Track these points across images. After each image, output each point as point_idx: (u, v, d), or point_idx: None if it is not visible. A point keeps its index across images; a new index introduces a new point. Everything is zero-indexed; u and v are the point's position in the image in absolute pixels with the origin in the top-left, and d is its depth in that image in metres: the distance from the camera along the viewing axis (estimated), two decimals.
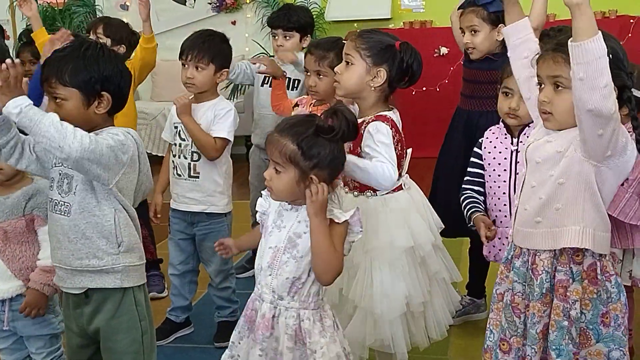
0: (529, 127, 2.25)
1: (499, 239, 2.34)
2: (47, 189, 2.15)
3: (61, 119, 1.85)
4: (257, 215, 1.96)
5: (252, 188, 3.74)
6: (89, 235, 1.90)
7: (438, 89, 6.46)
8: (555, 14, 6.00)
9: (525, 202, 1.85)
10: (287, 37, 3.42)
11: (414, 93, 6.20)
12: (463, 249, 3.34)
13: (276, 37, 3.45)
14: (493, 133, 2.38)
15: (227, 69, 2.89)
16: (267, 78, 3.47)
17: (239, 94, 6.70)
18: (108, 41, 3.25)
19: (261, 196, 1.96)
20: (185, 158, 2.84)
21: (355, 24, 6.57)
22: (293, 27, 3.41)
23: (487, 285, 3.08)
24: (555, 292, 1.78)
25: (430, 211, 2.36)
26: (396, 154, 2.16)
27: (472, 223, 2.37)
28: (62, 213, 1.92)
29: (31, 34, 3.98)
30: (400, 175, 2.24)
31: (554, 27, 2.76)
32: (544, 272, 1.80)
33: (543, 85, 1.76)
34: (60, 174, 1.94)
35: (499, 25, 2.73)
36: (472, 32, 2.80)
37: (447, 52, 6.41)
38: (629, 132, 1.76)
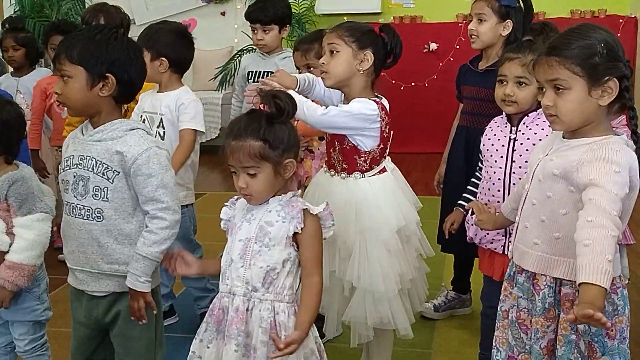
0: (527, 116, 2.26)
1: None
2: (29, 181, 2.15)
3: (66, 99, 1.89)
4: (222, 224, 1.90)
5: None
6: (120, 240, 1.91)
7: (427, 85, 6.47)
8: (545, 12, 6.03)
9: (526, 219, 1.83)
10: (266, 31, 3.44)
11: (402, 88, 6.23)
12: None
13: (255, 31, 3.46)
14: (495, 122, 2.39)
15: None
16: (254, 75, 3.52)
17: (227, 85, 6.68)
18: None
19: (228, 205, 1.91)
20: None
21: (345, 18, 6.58)
22: (271, 20, 3.44)
23: (472, 281, 3.10)
24: (562, 305, 1.75)
25: (411, 191, 2.43)
26: (384, 136, 2.24)
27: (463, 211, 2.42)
28: (88, 218, 1.91)
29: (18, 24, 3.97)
30: (384, 157, 2.32)
31: (537, 22, 2.76)
32: (546, 286, 1.77)
33: (545, 90, 1.74)
34: (75, 177, 1.92)
35: (507, 21, 2.75)
36: (479, 21, 2.80)
37: (436, 47, 6.43)
38: (625, 125, 1.73)
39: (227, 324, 1.80)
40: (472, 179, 2.50)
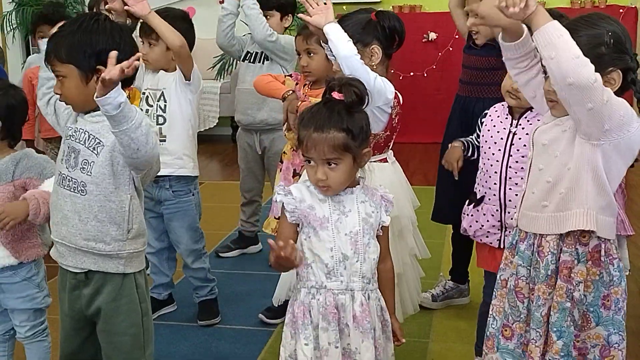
0: (530, 111, 2.26)
1: (484, 215, 2.34)
2: (33, 153, 2.18)
3: (66, 98, 1.88)
4: (289, 215, 1.82)
5: (241, 171, 3.76)
6: (101, 218, 1.89)
7: (425, 74, 6.46)
8: (545, 2, 6.01)
9: (533, 185, 1.86)
10: (268, 17, 3.45)
11: (401, 78, 6.21)
12: (447, 233, 3.37)
13: None
14: (496, 111, 2.38)
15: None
16: (248, 54, 3.54)
17: (225, 74, 6.66)
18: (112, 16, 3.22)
19: (284, 194, 1.83)
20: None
21: (345, 7, 6.55)
22: (272, 6, 3.45)
23: (470, 271, 3.11)
24: (560, 273, 1.78)
25: (410, 189, 2.42)
26: (392, 124, 2.24)
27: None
28: (73, 190, 1.90)
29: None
30: (387, 146, 2.32)
31: (550, 10, 2.75)
32: (549, 253, 1.80)
33: (547, 75, 1.75)
34: (68, 147, 1.92)
35: None
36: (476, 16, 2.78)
37: (435, 37, 6.41)
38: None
39: (356, 320, 1.79)
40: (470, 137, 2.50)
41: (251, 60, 3.55)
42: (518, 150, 2.26)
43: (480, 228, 2.35)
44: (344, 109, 1.77)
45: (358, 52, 2.15)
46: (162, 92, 2.79)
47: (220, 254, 3.74)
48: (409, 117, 6.58)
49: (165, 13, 2.76)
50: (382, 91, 2.17)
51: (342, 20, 2.29)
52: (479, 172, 2.40)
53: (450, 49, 6.28)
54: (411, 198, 2.42)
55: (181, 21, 2.81)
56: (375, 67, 2.24)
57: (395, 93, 2.25)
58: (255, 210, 3.77)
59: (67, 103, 1.93)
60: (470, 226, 2.37)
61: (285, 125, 2.79)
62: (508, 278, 1.90)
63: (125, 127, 1.74)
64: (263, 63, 3.52)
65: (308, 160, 1.79)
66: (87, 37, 1.85)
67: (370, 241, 1.82)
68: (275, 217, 2.83)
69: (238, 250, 3.77)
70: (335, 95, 1.79)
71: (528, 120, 2.26)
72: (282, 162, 2.90)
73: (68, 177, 1.91)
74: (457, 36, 6.28)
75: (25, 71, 3.80)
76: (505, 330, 1.90)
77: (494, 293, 1.96)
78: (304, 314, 1.80)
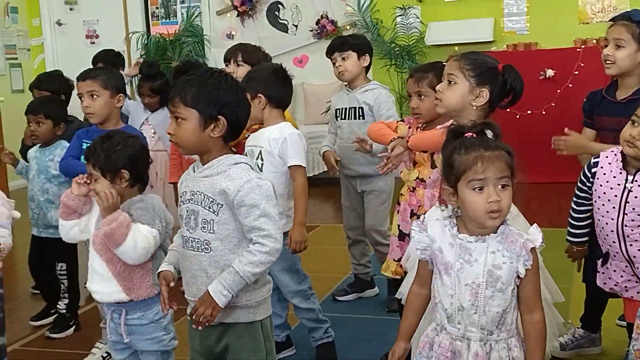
0: None
1: (615, 271, 2.23)
2: (152, 199, 2.28)
3: (179, 139, 1.98)
4: (420, 252, 1.82)
5: (344, 209, 3.78)
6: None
7: (544, 112, 6.27)
8: None
9: None
10: (345, 58, 3.49)
11: (518, 117, 6.06)
12: (575, 276, 3.20)
13: (335, 63, 3.52)
14: (609, 163, 2.25)
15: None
16: (341, 112, 3.59)
17: None
18: (247, 66, 3.45)
19: (418, 231, 1.83)
20: None
21: (457, 47, 6.52)
22: (348, 47, 3.49)
23: (604, 319, 2.92)
24: None
25: (524, 219, 2.33)
26: None
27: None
28: (198, 250, 1.99)
29: (150, 67, 4.25)
30: None
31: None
32: None
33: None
34: (187, 211, 2.01)
35: None
36: (617, 47, 2.68)
37: (553, 74, 6.23)
38: None
39: None
40: (574, 212, 2.37)
41: (343, 117, 3.59)
42: (633, 209, 2.14)
43: (616, 285, 2.24)
44: (498, 133, 1.79)
45: (469, 87, 2.17)
46: (260, 150, 2.84)
47: (337, 298, 3.74)
48: (528, 156, 6.39)
49: (258, 67, 2.87)
50: None
51: (470, 54, 2.29)
52: (596, 226, 2.29)
53: (570, 85, 6.09)
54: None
55: (273, 74, 2.87)
56: (475, 108, 2.22)
57: None
58: (363, 251, 3.76)
59: (178, 145, 2.02)
60: (605, 283, 2.27)
61: (385, 168, 2.75)
62: None
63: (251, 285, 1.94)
64: (358, 118, 3.55)
65: (479, 187, 1.71)
66: (215, 87, 1.96)
67: (494, 294, 1.74)
68: (394, 260, 2.81)
69: (354, 294, 3.75)
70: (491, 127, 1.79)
71: None
72: (399, 204, 2.89)
73: (191, 238, 1.99)
74: (576, 72, 6.10)
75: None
76: None
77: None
78: (423, 347, 1.83)
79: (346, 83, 3.63)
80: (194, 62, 4.41)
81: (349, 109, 3.57)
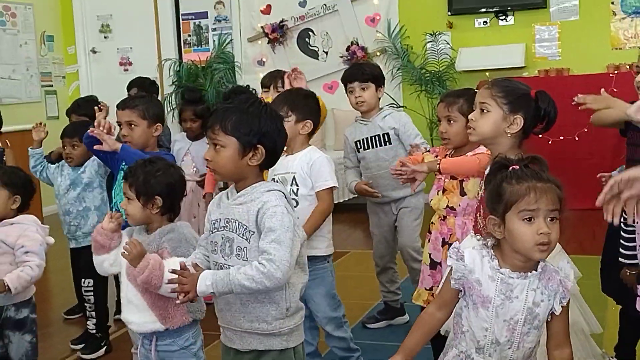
0: None
1: None
2: (182, 229, 2.29)
3: (216, 165, 1.99)
4: (453, 281, 1.78)
5: (373, 237, 3.76)
6: (260, 300, 1.99)
7: (577, 138, 6.20)
8: None
9: None
10: (364, 89, 3.49)
11: (550, 142, 6.00)
12: (609, 304, 3.13)
13: (353, 91, 3.51)
14: None
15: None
16: (363, 143, 3.56)
17: None
18: None
19: (455, 259, 1.79)
20: None
21: (487, 73, 6.50)
22: (368, 78, 3.49)
23: (638, 349, 2.85)
24: None
25: (567, 257, 2.28)
26: None
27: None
28: None
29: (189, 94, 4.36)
30: None
31: None
32: None
33: None
34: (222, 238, 2.03)
35: None
36: None
37: None
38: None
39: None
40: (625, 233, 2.32)
41: (366, 147, 3.57)
42: None
43: None
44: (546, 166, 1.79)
45: (502, 115, 2.16)
46: (294, 176, 2.84)
47: (367, 325, 3.71)
48: (561, 182, 6.32)
49: (295, 91, 2.89)
50: None
51: (502, 81, 2.28)
52: (637, 244, 2.24)
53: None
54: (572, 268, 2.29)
55: (315, 101, 2.92)
56: (509, 135, 2.20)
57: None
58: (392, 278, 3.73)
59: (214, 171, 2.04)
60: None
61: (400, 178, 2.73)
62: None
63: (235, 294, 1.91)
64: (383, 145, 3.54)
65: (529, 218, 1.69)
66: (256, 117, 1.97)
67: (530, 331, 1.74)
68: (425, 289, 2.78)
69: (385, 321, 3.72)
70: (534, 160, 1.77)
71: None
72: (429, 232, 2.87)
73: (225, 265, 2.00)
74: None
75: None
76: None
77: None
78: None
79: (360, 114, 3.60)
80: (244, 89, 4.45)
81: (371, 138, 3.54)
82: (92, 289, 3.50)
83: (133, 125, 3.01)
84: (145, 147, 3.04)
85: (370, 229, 3.77)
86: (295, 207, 2.82)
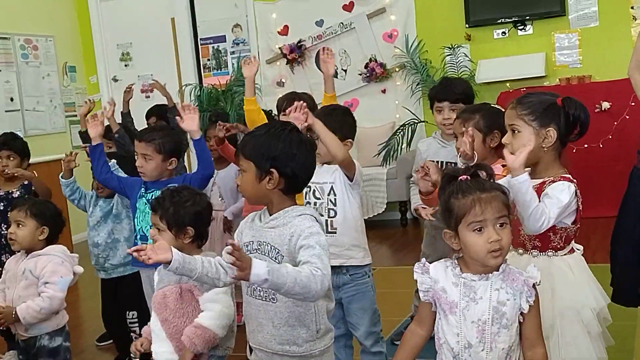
0: None
1: None
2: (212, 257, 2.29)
3: (243, 189, 2.02)
4: (422, 295, 1.87)
5: (423, 255, 3.66)
6: (291, 323, 2.00)
7: (601, 145, 6.14)
8: None
9: None
10: (454, 110, 3.32)
11: (574, 151, 5.94)
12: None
13: (441, 111, 3.41)
14: None
15: None
16: (441, 166, 3.40)
17: (391, 160, 6.76)
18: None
19: (420, 273, 1.87)
20: (322, 215, 2.85)
21: (508, 84, 6.47)
22: (459, 99, 3.35)
23: None
24: None
25: (594, 277, 2.28)
26: (575, 217, 2.17)
27: None
28: (265, 299, 2.01)
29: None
30: (576, 235, 2.24)
31: None
32: None
33: None
34: None
35: None
36: None
37: (609, 106, 6.11)
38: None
39: None
40: None
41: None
42: None
43: None
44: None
45: (534, 131, 2.14)
46: (332, 186, 2.85)
47: (395, 342, 3.68)
48: (587, 191, 6.26)
49: (332, 110, 2.89)
50: (570, 200, 2.11)
51: (525, 97, 2.25)
52: None
53: (627, 117, 5.95)
54: (598, 289, 2.24)
55: (348, 116, 2.94)
56: (546, 150, 2.17)
57: (575, 182, 2.15)
58: None
59: (243, 195, 2.06)
60: None
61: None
62: None
63: (283, 291, 1.81)
64: None
65: (478, 228, 1.77)
66: (268, 141, 1.98)
67: (500, 330, 1.77)
68: None
69: None
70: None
71: None
72: None
73: (258, 288, 2.00)
74: (633, 103, 5.96)
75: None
76: None
77: None
78: None
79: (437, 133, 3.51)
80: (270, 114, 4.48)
81: (447, 163, 3.34)
82: (137, 320, 3.54)
83: (147, 159, 3.05)
84: (159, 179, 3.11)
85: (422, 247, 3.65)
86: (333, 217, 2.87)
